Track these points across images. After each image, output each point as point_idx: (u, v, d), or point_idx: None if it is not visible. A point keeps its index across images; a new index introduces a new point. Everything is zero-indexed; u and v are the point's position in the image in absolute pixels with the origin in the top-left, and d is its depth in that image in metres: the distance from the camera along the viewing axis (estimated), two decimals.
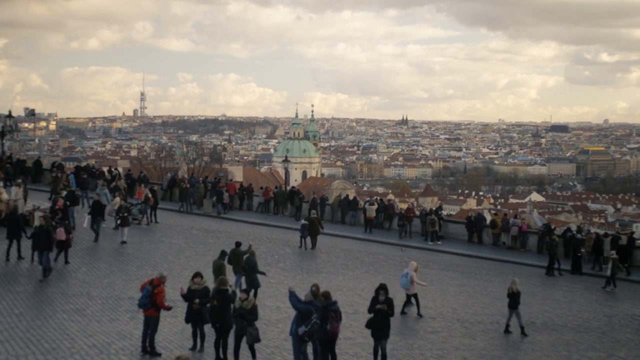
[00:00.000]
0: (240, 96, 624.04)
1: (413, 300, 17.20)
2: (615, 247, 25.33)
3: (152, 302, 11.86)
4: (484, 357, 14.45)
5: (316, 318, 11.20)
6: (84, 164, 39.51)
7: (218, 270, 15.23)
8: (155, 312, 11.94)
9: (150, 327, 11.92)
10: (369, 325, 12.65)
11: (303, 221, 25.92)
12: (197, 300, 12.12)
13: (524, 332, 16.17)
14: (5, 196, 22.25)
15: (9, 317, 13.37)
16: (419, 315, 17.00)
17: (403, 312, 16.98)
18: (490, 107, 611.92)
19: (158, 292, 11.89)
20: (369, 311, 12.76)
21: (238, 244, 17.19)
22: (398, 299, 18.58)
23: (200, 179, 37.07)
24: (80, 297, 15.46)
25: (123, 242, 21.77)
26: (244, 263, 16.31)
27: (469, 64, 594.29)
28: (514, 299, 16.07)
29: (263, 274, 16.70)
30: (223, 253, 15.90)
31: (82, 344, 12.02)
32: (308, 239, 25.10)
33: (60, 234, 18.18)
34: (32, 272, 17.32)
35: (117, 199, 24.80)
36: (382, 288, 12.83)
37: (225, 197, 32.62)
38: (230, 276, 16.37)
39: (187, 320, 12.34)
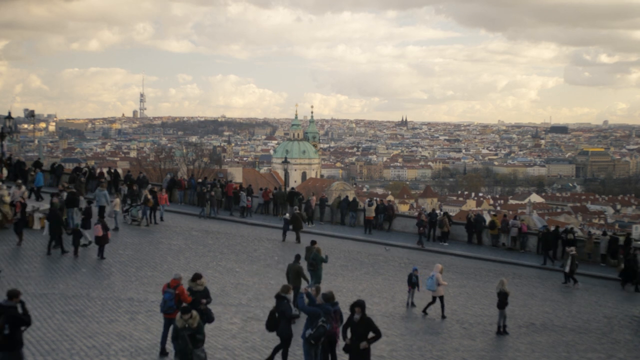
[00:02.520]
0: (240, 97, 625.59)
1: (437, 301, 17.45)
2: (574, 244, 25.66)
3: (176, 303, 11.89)
4: (483, 359, 14.46)
5: (323, 321, 11.16)
6: (83, 165, 39.39)
7: (296, 273, 16.25)
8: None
9: None
10: (347, 349, 11.08)
11: (286, 216, 27.06)
12: (203, 300, 12.14)
13: (503, 331, 16.33)
14: (8, 199, 22.23)
15: None
16: (443, 316, 17.27)
17: (424, 312, 17.35)
18: (490, 108, 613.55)
19: (180, 292, 11.97)
20: (344, 332, 11.22)
21: (314, 242, 18.70)
22: (398, 300, 18.62)
23: (207, 180, 37.08)
24: (79, 298, 15.45)
25: (89, 242, 20.97)
26: (311, 259, 17.68)
27: (468, 65, 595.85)
28: (502, 299, 16.22)
29: (325, 261, 17.93)
30: (298, 257, 16.80)
31: (82, 345, 12.02)
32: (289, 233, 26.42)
33: (97, 230, 19.35)
34: (31, 273, 17.30)
35: (117, 200, 24.82)
36: (357, 305, 11.12)
37: (246, 200, 32.08)
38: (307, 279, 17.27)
39: None
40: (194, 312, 10.48)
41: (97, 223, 19.77)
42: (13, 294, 9.91)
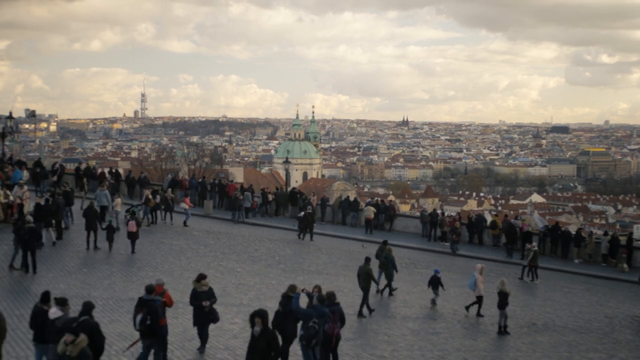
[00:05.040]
0: (241, 97, 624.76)
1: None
2: (530, 239, 26.16)
3: (163, 310, 11.54)
4: (484, 359, 14.46)
5: (315, 322, 11.15)
6: (84, 165, 39.35)
7: (365, 275, 16.67)
8: (165, 319, 11.60)
9: (163, 336, 11.54)
10: None
11: (301, 214, 27.91)
12: (207, 302, 12.13)
13: (504, 331, 16.37)
14: (2, 199, 22.20)
15: (10, 319, 13.31)
16: (479, 315, 17.71)
17: (467, 310, 17.87)
18: (491, 108, 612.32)
19: (167, 298, 11.71)
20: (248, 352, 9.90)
21: (385, 242, 19.77)
22: (399, 299, 18.60)
23: (205, 178, 37.03)
24: (80, 298, 15.38)
25: (53, 243, 20.68)
26: (382, 258, 18.79)
27: (469, 65, 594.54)
28: (502, 299, 16.29)
29: (396, 270, 18.97)
30: (368, 259, 17.17)
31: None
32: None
33: (132, 226, 20.69)
34: (31, 274, 17.31)
35: (118, 200, 24.81)
36: (257, 315, 9.82)
37: (251, 201, 31.50)
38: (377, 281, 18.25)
39: (195, 323, 12.33)
40: (81, 337, 8.88)
41: (131, 219, 21.06)
42: (152, 289, 11.22)
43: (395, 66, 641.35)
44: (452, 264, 25.65)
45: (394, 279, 19.08)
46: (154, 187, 31.85)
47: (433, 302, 18.37)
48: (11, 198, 22.54)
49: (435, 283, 18.35)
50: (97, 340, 9.46)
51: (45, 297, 10.41)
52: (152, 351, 11.20)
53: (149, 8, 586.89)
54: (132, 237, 20.86)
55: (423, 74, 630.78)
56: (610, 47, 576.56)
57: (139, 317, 10.95)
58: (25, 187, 24.19)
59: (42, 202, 21.11)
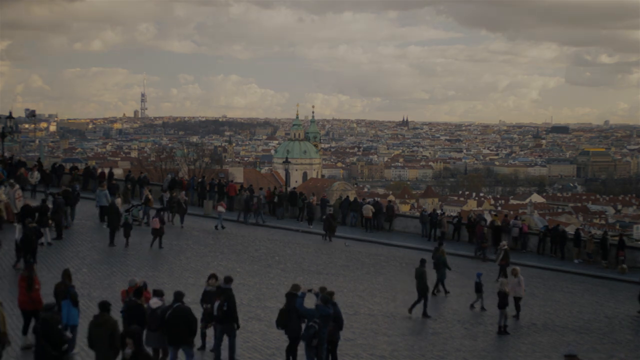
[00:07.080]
0: (242, 97, 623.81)
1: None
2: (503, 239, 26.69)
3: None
4: (484, 359, 14.47)
5: (315, 322, 11.19)
6: (83, 165, 39.37)
7: (420, 276, 17.29)
8: None
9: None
10: None
11: (324, 216, 28.82)
12: (208, 305, 12.16)
13: (504, 331, 16.41)
14: (4, 197, 22.19)
15: (10, 319, 13.34)
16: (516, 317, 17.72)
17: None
18: (491, 108, 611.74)
19: (146, 300, 11.54)
20: None
21: (440, 244, 20.64)
22: (399, 299, 18.59)
23: (204, 178, 37.02)
24: (81, 298, 15.33)
25: (49, 244, 20.50)
26: (434, 259, 19.78)
27: (469, 65, 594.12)
28: (502, 299, 16.33)
29: (449, 269, 20.09)
30: (423, 261, 17.77)
31: (83, 345, 12.02)
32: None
33: (155, 223, 21.67)
34: None
35: (119, 199, 24.82)
36: (128, 335, 8.58)
37: (256, 202, 30.70)
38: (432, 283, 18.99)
39: (201, 321, 12.35)
40: None
41: (155, 216, 21.96)
42: (229, 279, 12.11)
43: (395, 66, 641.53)
44: (453, 264, 25.61)
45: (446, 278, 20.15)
46: (154, 186, 31.82)
47: (472, 306, 18.63)
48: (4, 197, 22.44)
49: (477, 287, 18.45)
50: (191, 324, 10.64)
51: (139, 291, 11.38)
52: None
53: (150, 8, 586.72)
54: (157, 233, 21.66)
55: (423, 74, 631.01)
56: (610, 47, 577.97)
57: (216, 304, 11.76)
58: (17, 186, 24.06)
59: (39, 203, 21.09)
